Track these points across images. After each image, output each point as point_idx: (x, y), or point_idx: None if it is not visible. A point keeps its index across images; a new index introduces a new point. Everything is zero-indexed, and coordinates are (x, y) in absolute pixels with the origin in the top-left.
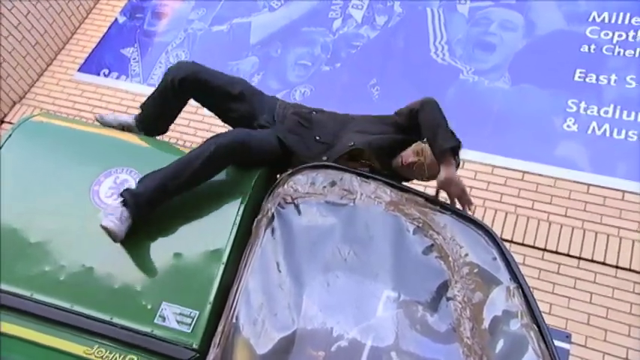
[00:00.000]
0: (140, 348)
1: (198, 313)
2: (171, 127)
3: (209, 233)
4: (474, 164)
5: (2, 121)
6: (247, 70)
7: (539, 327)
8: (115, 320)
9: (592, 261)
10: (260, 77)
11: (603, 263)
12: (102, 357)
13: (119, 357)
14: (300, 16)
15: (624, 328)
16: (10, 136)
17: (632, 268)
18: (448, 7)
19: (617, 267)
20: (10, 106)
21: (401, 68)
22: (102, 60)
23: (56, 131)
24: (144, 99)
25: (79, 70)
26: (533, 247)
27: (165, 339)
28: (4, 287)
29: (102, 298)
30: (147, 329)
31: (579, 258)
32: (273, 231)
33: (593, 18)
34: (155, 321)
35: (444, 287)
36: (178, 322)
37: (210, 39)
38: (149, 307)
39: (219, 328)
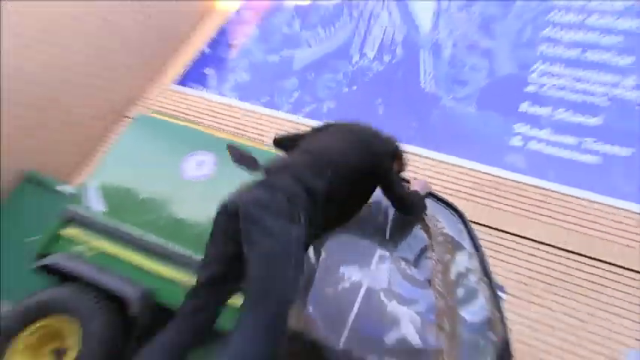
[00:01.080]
0: None
1: None
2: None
3: None
4: (448, 165)
5: (125, 116)
6: (289, 88)
7: (489, 280)
8: (197, 256)
9: (518, 235)
10: (298, 94)
11: (522, 237)
12: (187, 280)
13: None
14: (329, 51)
15: (544, 286)
16: (132, 123)
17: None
18: (435, 52)
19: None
20: (126, 109)
21: (399, 93)
22: (190, 77)
23: (160, 123)
24: (216, 104)
25: (175, 83)
26: (483, 225)
27: None
28: (124, 229)
29: (185, 239)
30: None
31: (515, 235)
32: None
33: (535, 67)
34: None
35: (424, 250)
36: None
37: (265, 65)
38: None
39: None
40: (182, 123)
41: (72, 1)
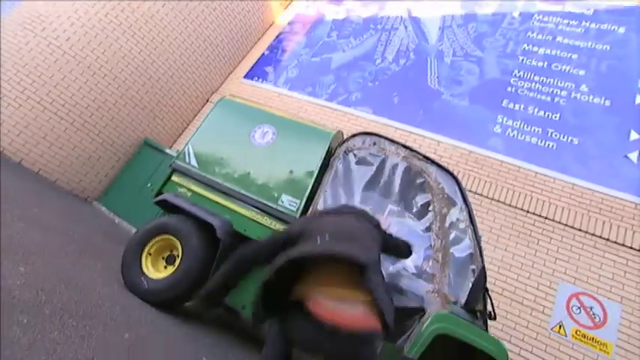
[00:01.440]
0: (271, 215)
1: (299, 201)
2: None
3: (308, 163)
4: (445, 144)
5: (209, 100)
6: (327, 82)
7: (474, 227)
8: (260, 199)
9: (493, 199)
10: (334, 87)
11: (496, 200)
12: (253, 216)
13: (261, 217)
14: (358, 55)
15: (508, 235)
16: (216, 104)
17: (509, 203)
18: (439, 58)
19: (495, 199)
20: (211, 94)
21: (410, 88)
22: (255, 73)
23: (236, 104)
24: (273, 93)
25: (244, 77)
26: (468, 190)
27: (283, 212)
28: (211, 178)
29: (255, 189)
30: (275, 206)
31: (491, 198)
32: (340, 165)
33: (515, 73)
34: (279, 202)
35: (427, 204)
36: (289, 204)
37: (310, 64)
38: (276, 195)
39: (309, 210)
40: (251, 104)
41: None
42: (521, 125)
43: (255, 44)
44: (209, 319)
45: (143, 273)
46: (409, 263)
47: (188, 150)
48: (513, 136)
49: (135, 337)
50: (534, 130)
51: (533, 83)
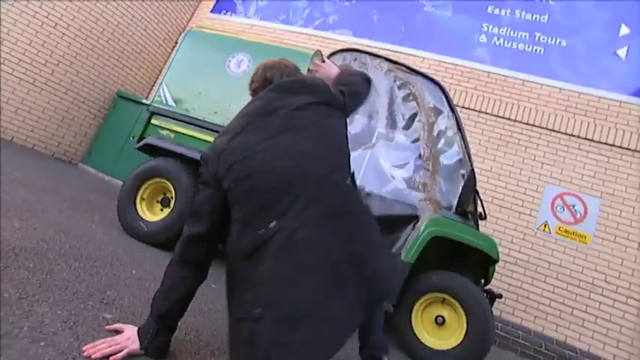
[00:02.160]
0: None
1: None
2: None
3: None
4: (430, 60)
5: (176, 42)
6: (301, 7)
7: (461, 134)
8: None
9: (480, 111)
10: (308, 10)
11: (484, 112)
12: None
13: None
14: None
15: (495, 145)
16: (185, 37)
17: (496, 113)
18: None
19: (483, 112)
20: (178, 35)
21: (389, 3)
22: (222, 5)
23: (206, 35)
24: (244, 27)
25: (211, 12)
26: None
27: None
28: (191, 115)
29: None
30: None
31: (479, 111)
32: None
33: None
34: None
35: (414, 116)
36: None
37: None
38: None
39: None
40: (220, 33)
41: None
42: (508, 32)
43: None
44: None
45: (140, 217)
46: (399, 173)
47: (163, 90)
48: (500, 44)
49: (142, 272)
50: (521, 35)
51: None
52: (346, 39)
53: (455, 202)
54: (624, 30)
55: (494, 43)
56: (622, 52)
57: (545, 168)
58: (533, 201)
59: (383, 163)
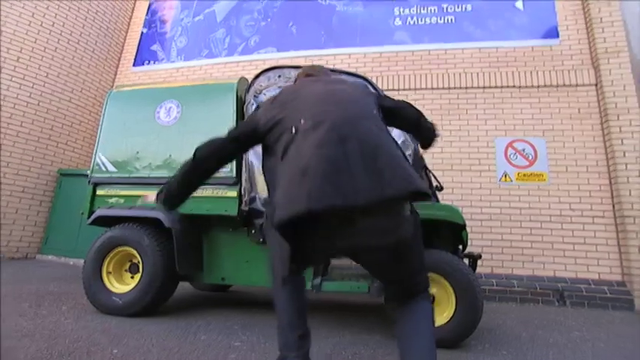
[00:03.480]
0: (210, 184)
1: None
2: None
3: (223, 120)
4: (355, 55)
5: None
6: (220, 38)
7: None
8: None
9: (415, 89)
10: (228, 39)
11: (419, 88)
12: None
13: (202, 191)
14: None
15: (438, 118)
16: (106, 100)
17: (430, 87)
18: None
19: (417, 88)
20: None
21: (304, 13)
22: (143, 57)
23: (126, 93)
24: (170, 72)
25: (134, 66)
26: (390, 89)
27: (219, 177)
28: (134, 176)
29: (175, 167)
30: None
31: (415, 89)
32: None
33: None
34: None
35: None
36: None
37: (195, 26)
38: None
39: (243, 164)
40: (141, 87)
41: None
42: (418, 10)
43: (129, 26)
44: (198, 303)
45: (112, 292)
46: None
47: (100, 158)
48: (414, 23)
49: (125, 349)
50: (431, 10)
51: None
52: (272, 56)
53: None
54: None
55: (409, 23)
56: (519, 4)
57: (489, 123)
58: (487, 157)
59: None
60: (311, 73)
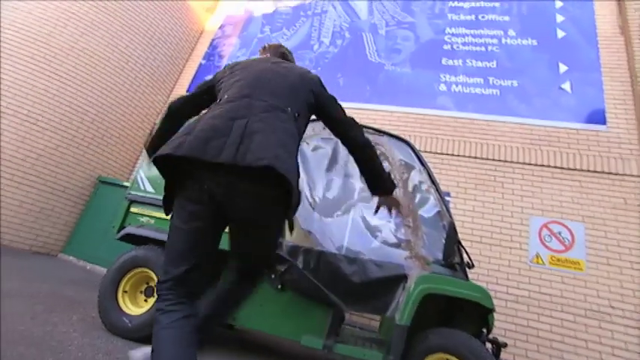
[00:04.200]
0: None
1: None
2: None
3: None
4: (397, 113)
5: (154, 124)
6: None
7: (435, 186)
8: None
9: (453, 155)
10: None
11: (457, 155)
12: None
13: None
14: (295, 45)
15: (474, 185)
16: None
17: (468, 154)
18: (374, 32)
19: (454, 154)
20: (157, 117)
21: (352, 66)
22: (196, 84)
23: None
24: None
25: (187, 91)
26: (427, 151)
27: None
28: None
29: None
30: None
31: (451, 155)
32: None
33: (447, 31)
34: None
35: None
36: None
37: None
38: None
39: None
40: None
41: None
42: (464, 79)
43: (190, 56)
44: (205, 338)
45: (124, 312)
46: (382, 234)
47: (140, 177)
48: (459, 91)
49: None
50: (476, 81)
51: (466, 37)
52: None
53: (439, 255)
54: (563, 67)
55: (454, 90)
56: (566, 86)
57: (525, 200)
58: (520, 234)
59: (365, 222)
60: (267, 52)
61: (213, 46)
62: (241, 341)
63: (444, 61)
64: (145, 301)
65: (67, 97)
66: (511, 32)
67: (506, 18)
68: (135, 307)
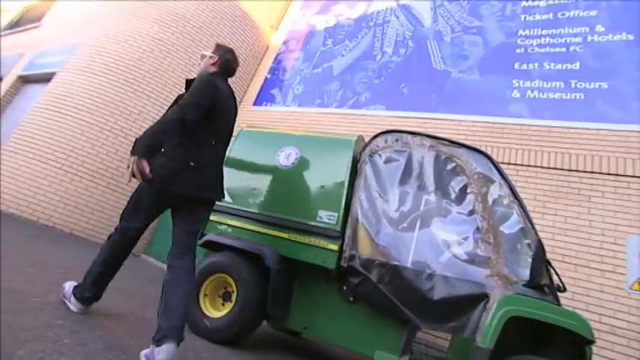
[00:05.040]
0: (313, 232)
1: (336, 213)
2: None
3: (337, 174)
4: (466, 122)
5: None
6: (334, 90)
7: (519, 201)
8: (299, 220)
9: (529, 165)
10: (341, 92)
11: (533, 166)
12: (295, 238)
13: (304, 237)
14: (357, 56)
15: (554, 199)
16: (237, 136)
17: (547, 165)
18: (438, 39)
19: (532, 165)
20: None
21: (417, 75)
22: (262, 98)
23: (255, 133)
24: (284, 113)
25: (253, 104)
26: (503, 162)
27: (323, 227)
28: (247, 210)
29: (292, 211)
30: (314, 224)
31: (527, 165)
32: (368, 169)
33: (520, 33)
34: (317, 219)
35: (464, 187)
36: (328, 218)
37: (313, 77)
38: (313, 212)
39: (349, 220)
40: (268, 130)
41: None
42: (540, 84)
43: (256, 71)
44: (277, 344)
45: (205, 314)
46: (459, 250)
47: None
48: (534, 96)
49: None
50: (556, 85)
51: (543, 38)
52: (380, 113)
53: (524, 275)
54: None
55: (529, 96)
56: None
57: (619, 217)
58: (614, 255)
59: (435, 233)
60: (231, 61)
61: (277, 61)
62: (307, 351)
63: (516, 65)
64: (223, 304)
65: (152, 113)
66: (599, 28)
67: (593, 12)
68: (213, 310)
